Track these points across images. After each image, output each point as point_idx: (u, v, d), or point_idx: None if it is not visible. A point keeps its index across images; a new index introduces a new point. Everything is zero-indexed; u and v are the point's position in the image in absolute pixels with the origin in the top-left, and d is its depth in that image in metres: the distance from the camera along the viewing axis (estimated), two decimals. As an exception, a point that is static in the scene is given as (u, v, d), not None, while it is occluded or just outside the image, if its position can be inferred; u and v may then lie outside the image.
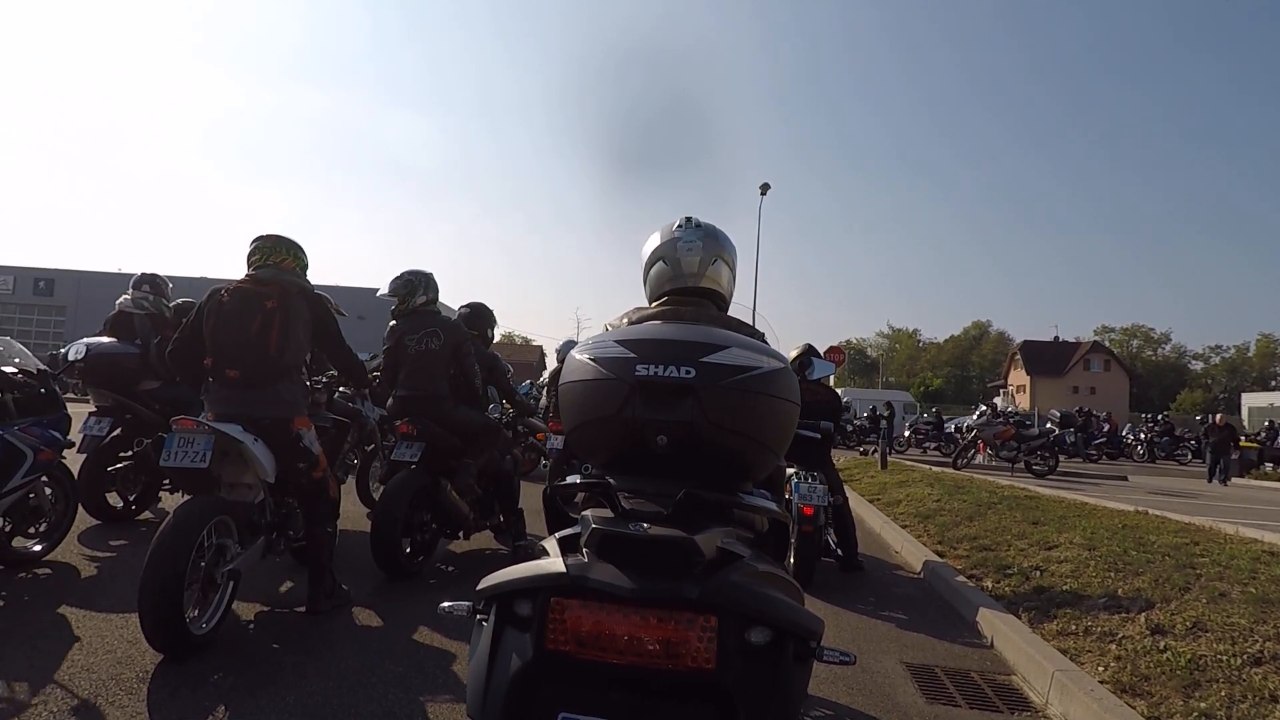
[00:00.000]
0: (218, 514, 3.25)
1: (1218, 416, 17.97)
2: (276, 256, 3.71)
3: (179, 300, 6.09)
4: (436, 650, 3.37)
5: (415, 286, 4.89)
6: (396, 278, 4.93)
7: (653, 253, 2.21)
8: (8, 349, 4.21)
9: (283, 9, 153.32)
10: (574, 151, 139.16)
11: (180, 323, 4.07)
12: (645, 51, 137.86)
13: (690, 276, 2.15)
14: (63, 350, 5.61)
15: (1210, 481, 16.21)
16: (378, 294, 5.02)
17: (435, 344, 4.74)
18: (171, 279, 6.25)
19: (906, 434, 23.91)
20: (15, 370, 4.13)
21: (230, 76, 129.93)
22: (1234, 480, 16.77)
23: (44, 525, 4.42)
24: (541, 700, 1.36)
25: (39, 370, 4.28)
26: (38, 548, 4.38)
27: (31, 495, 4.26)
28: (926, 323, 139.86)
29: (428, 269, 4.99)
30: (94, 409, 5.51)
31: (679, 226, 2.20)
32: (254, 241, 3.74)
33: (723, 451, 1.61)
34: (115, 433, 5.46)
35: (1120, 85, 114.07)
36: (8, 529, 4.21)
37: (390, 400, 4.97)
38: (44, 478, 4.31)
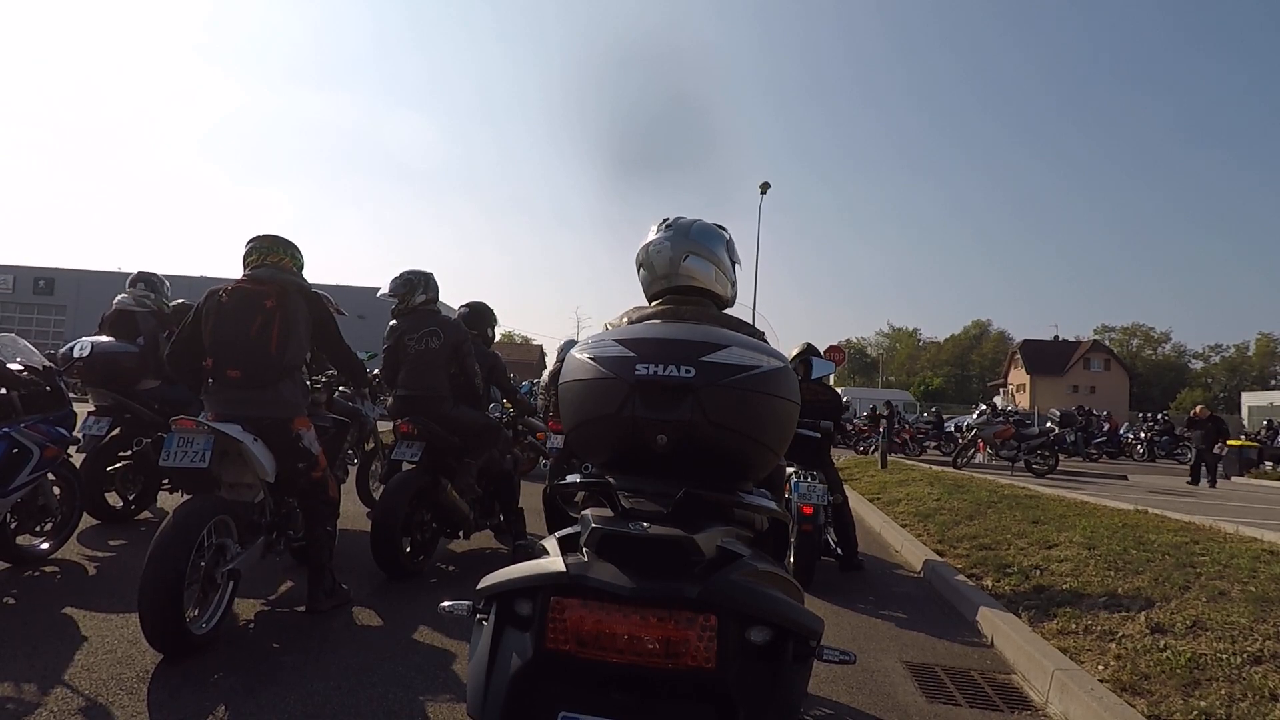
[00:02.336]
0: (218, 514, 3.25)
1: (1197, 408, 16.31)
2: (274, 256, 3.71)
3: (176, 301, 6.08)
4: (436, 650, 3.37)
5: (415, 286, 4.89)
6: (396, 277, 4.93)
7: (636, 258, 2.27)
8: (12, 346, 4.21)
9: (285, 11, 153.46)
10: (575, 151, 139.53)
11: (179, 322, 4.07)
12: (646, 52, 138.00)
13: (665, 277, 2.19)
14: (64, 349, 5.60)
15: (1197, 484, 14.43)
16: (378, 294, 5.02)
17: (435, 343, 4.75)
18: (172, 278, 6.25)
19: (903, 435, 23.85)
20: (21, 367, 4.13)
21: (233, 77, 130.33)
22: (1234, 479, 16.59)
23: (50, 524, 4.42)
24: (541, 700, 1.36)
25: (45, 367, 4.28)
26: (44, 546, 4.39)
27: (39, 494, 4.27)
28: (926, 322, 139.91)
29: (428, 269, 5.00)
30: (93, 409, 5.51)
31: (654, 229, 2.24)
32: (250, 242, 3.74)
33: (722, 451, 1.61)
34: (114, 432, 5.46)
35: (1121, 84, 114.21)
36: (14, 526, 4.22)
37: (390, 400, 4.97)
38: (50, 475, 4.31)
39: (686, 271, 2.17)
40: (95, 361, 5.35)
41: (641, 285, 2.28)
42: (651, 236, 2.22)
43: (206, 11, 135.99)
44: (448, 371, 4.81)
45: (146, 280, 5.90)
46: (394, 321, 4.93)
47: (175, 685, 2.81)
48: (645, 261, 2.22)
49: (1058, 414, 20.35)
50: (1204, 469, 14.89)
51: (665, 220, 2.23)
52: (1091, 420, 24.16)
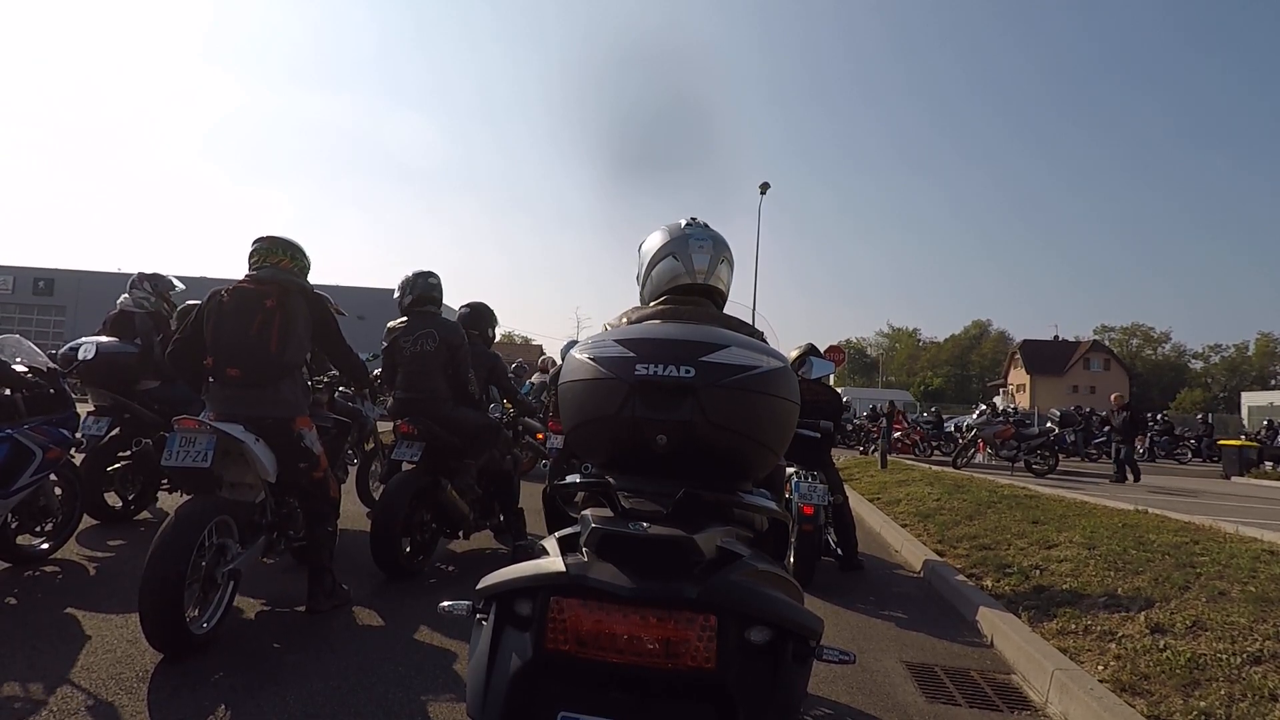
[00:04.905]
0: (219, 514, 3.26)
1: (1114, 396, 15.43)
2: (274, 257, 3.72)
3: (185, 304, 6.07)
4: (436, 650, 3.37)
5: (405, 288, 4.94)
6: (402, 277, 4.96)
7: (661, 248, 2.20)
8: (16, 348, 4.22)
9: (286, 11, 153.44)
10: (575, 151, 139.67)
11: (181, 325, 4.07)
12: (646, 52, 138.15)
13: (699, 274, 2.16)
14: (64, 349, 5.60)
15: (1124, 481, 13.38)
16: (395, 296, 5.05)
17: (430, 345, 4.75)
18: (175, 279, 6.22)
19: (895, 435, 23.73)
20: (25, 368, 4.13)
21: (234, 78, 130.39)
22: (1234, 479, 16.57)
23: (51, 524, 4.43)
24: (541, 699, 1.36)
25: (48, 369, 4.28)
26: (44, 546, 4.39)
27: (41, 494, 4.28)
28: (926, 322, 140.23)
29: (430, 270, 5.01)
30: (92, 409, 5.51)
31: (688, 225, 2.22)
32: (254, 243, 3.76)
33: (722, 451, 1.61)
34: (114, 433, 5.45)
35: (1121, 84, 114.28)
36: (15, 526, 4.22)
37: (390, 401, 4.98)
38: (52, 476, 4.32)
39: (718, 274, 2.18)
40: (95, 362, 5.35)
41: (654, 276, 2.20)
42: (688, 230, 2.19)
43: (208, 12, 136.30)
44: (445, 373, 4.82)
45: (153, 281, 5.90)
46: (391, 323, 4.94)
47: (175, 685, 2.81)
48: (681, 253, 2.16)
49: (1058, 414, 20.32)
50: (1124, 463, 13.82)
51: (697, 220, 2.23)
52: (1091, 420, 24.13)
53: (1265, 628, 3.55)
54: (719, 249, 2.19)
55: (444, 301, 5.07)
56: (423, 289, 4.93)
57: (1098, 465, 20.35)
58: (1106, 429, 15.95)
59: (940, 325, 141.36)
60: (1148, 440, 25.03)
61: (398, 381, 4.87)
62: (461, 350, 4.84)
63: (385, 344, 4.93)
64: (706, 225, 2.22)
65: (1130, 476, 13.69)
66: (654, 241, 2.23)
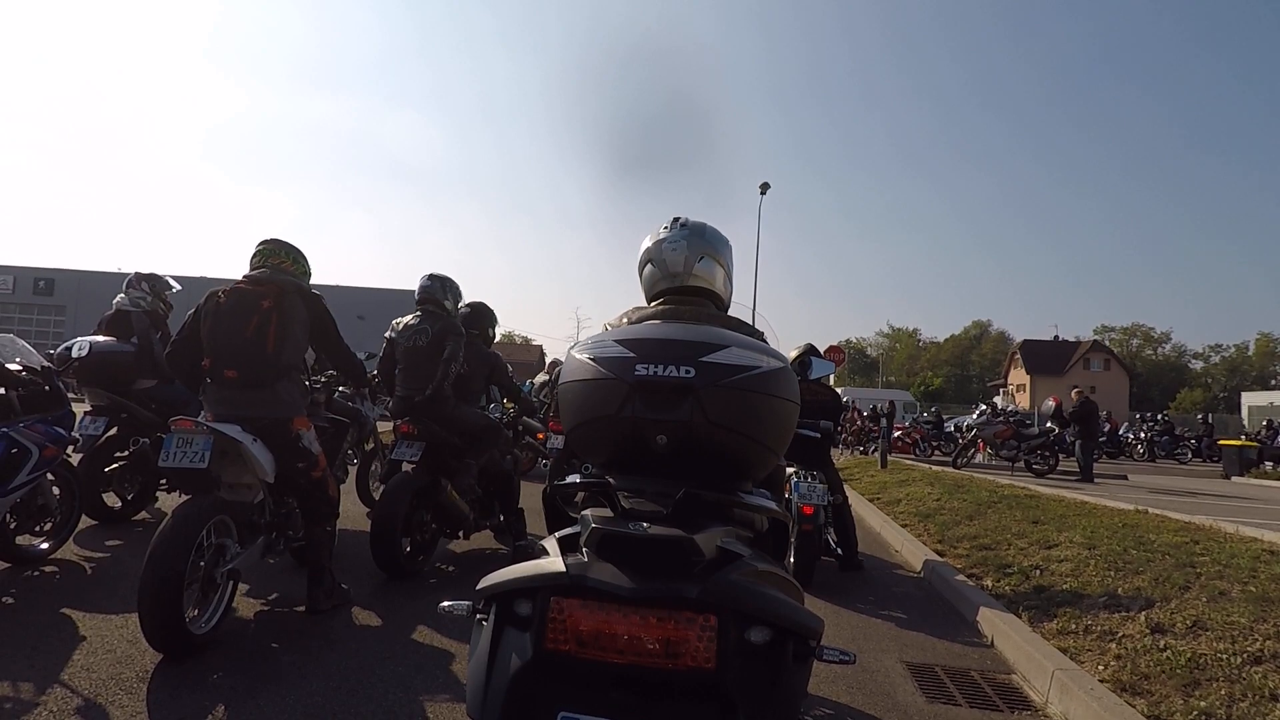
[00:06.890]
0: (217, 514, 3.26)
1: (1074, 390, 15.07)
2: (275, 258, 3.73)
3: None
4: (436, 650, 3.37)
5: (419, 289, 4.95)
6: None
7: (642, 256, 2.22)
8: (11, 347, 4.22)
9: (289, 14, 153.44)
10: (575, 152, 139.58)
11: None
12: (646, 52, 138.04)
13: (676, 275, 2.15)
14: (60, 348, 5.59)
15: (1089, 482, 13.04)
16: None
17: (423, 340, 4.76)
18: (173, 279, 6.21)
19: (895, 434, 23.70)
20: (20, 367, 4.13)
21: (236, 80, 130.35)
22: (1234, 479, 16.54)
23: (50, 524, 4.43)
24: (541, 700, 1.36)
25: (43, 367, 4.28)
26: (44, 545, 4.39)
27: (39, 494, 4.28)
28: (926, 322, 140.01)
29: (439, 273, 5.03)
30: (89, 408, 5.50)
31: (665, 227, 2.21)
32: (258, 245, 3.77)
33: (722, 451, 1.61)
34: (110, 433, 5.45)
35: (1121, 85, 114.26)
36: (14, 526, 4.22)
37: (391, 401, 4.99)
38: (49, 475, 4.32)
39: (700, 271, 2.16)
40: (91, 361, 5.34)
41: (644, 283, 2.24)
42: (664, 234, 2.19)
43: (210, 13, 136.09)
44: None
45: (150, 281, 5.90)
46: (397, 320, 4.97)
47: (175, 685, 2.81)
48: (656, 258, 2.17)
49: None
50: (1083, 456, 13.65)
51: (677, 219, 2.21)
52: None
53: (1265, 628, 3.55)
54: (696, 246, 2.15)
55: (457, 305, 5.08)
56: (426, 289, 4.95)
57: (1100, 465, 20.34)
58: (1046, 427, 15.56)
59: (940, 325, 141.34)
60: (1147, 439, 25.04)
61: (398, 380, 4.88)
62: (450, 337, 4.73)
63: (387, 337, 4.94)
64: (684, 224, 2.19)
65: (1087, 474, 13.53)
66: (642, 248, 2.25)
